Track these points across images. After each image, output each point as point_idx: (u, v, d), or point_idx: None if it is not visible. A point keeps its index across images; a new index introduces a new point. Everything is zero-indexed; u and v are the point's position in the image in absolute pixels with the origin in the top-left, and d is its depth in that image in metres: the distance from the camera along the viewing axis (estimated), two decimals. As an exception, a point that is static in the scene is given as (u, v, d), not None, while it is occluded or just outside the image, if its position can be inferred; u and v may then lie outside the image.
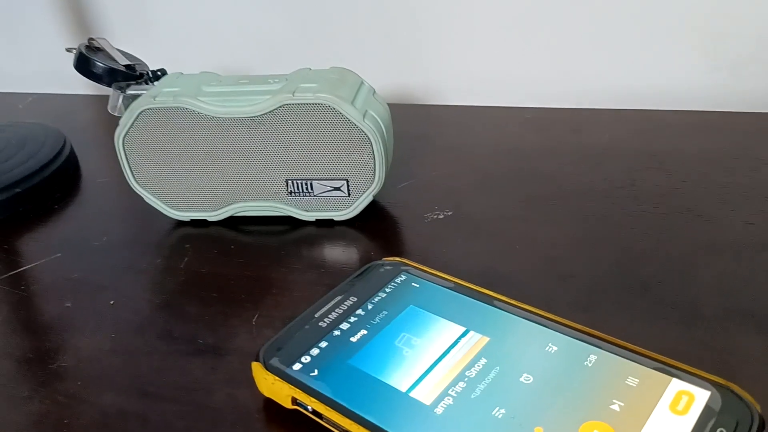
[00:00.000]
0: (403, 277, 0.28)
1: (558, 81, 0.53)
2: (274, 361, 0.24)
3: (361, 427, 0.21)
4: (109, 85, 0.39)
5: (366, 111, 0.34)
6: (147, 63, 0.43)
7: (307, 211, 0.36)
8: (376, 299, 0.27)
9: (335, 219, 0.37)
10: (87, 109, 0.59)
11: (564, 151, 0.43)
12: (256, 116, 0.34)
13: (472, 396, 0.22)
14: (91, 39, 0.41)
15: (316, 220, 0.37)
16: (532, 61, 0.53)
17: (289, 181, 0.35)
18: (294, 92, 0.33)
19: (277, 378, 0.24)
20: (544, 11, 0.50)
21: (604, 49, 0.51)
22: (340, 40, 0.57)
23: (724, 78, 0.49)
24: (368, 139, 0.34)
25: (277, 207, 0.37)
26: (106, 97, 0.52)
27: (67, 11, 0.63)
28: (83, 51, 0.39)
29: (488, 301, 0.26)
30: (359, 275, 0.29)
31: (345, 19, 0.56)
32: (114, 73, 0.39)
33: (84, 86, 0.65)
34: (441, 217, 0.36)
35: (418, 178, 0.41)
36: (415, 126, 0.48)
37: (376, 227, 0.36)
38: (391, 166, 0.38)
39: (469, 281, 0.28)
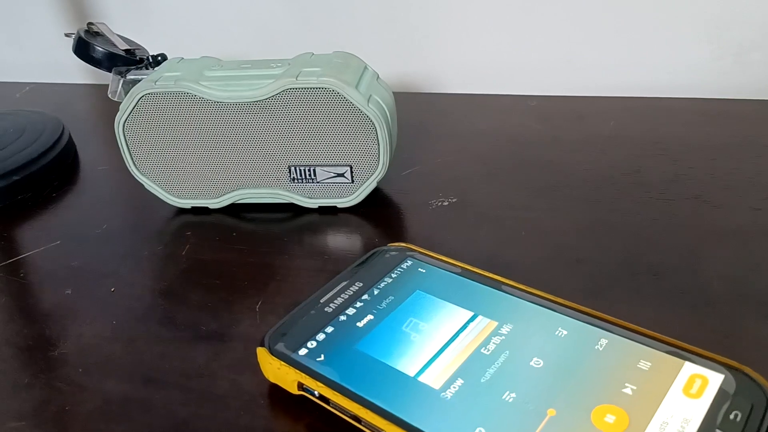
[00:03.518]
0: (409, 263, 0.28)
1: (561, 69, 0.52)
2: (280, 347, 0.24)
3: (369, 411, 0.21)
4: (109, 70, 0.38)
5: (370, 96, 0.33)
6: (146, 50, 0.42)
7: (310, 198, 0.36)
8: (382, 284, 0.27)
9: (338, 206, 0.36)
10: (85, 98, 0.59)
11: (569, 139, 0.42)
12: (259, 101, 0.33)
13: (482, 380, 0.22)
14: (90, 24, 0.41)
15: (319, 207, 0.36)
16: (535, 49, 0.52)
17: (292, 168, 0.35)
18: (297, 76, 0.33)
19: (283, 363, 0.23)
20: (547, -1, 0.50)
21: (608, 37, 0.50)
22: (340, 28, 0.56)
23: (728, 66, 0.49)
24: (372, 124, 0.33)
25: (279, 194, 0.36)
26: (104, 86, 0.51)
27: (64, -1, 0.63)
28: (82, 36, 0.39)
29: (496, 285, 0.26)
30: (365, 261, 0.28)
31: (345, 6, 0.55)
32: (114, 57, 0.38)
33: (82, 75, 0.64)
34: (446, 204, 0.36)
35: (422, 166, 0.40)
36: (418, 114, 0.48)
37: (380, 214, 0.36)
38: (394, 154, 0.37)
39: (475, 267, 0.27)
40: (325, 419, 0.23)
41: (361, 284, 0.27)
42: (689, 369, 0.21)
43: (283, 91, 0.33)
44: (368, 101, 0.33)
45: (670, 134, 0.42)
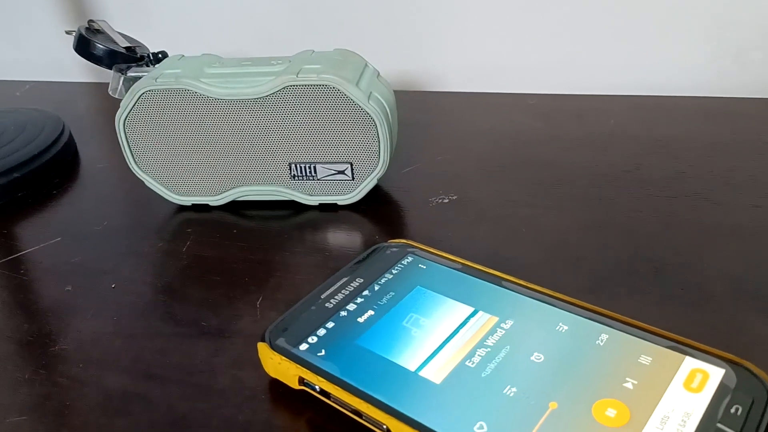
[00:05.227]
0: (410, 259, 0.28)
1: (561, 68, 0.52)
2: (281, 342, 0.24)
3: (370, 406, 0.21)
4: (110, 68, 0.38)
5: (371, 93, 0.33)
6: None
7: (311, 195, 0.36)
8: (383, 280, 0.27)
9: (339, 203, 0.36)
10: (85, 97, 0.59)
11: (569, 137, 0.42)
12: (259, 98, 0.33)
13: (483, 375, 0.22)
14: (91, 21, 0.41)
15: (320, 204, 0.36)
16: (535, 48, 0.52)
17: (293, 165, 0.35)
18: (298, 73, 0.33)
19: (283, 358, 0.23)
20: (547, -3, 0.50)
21: (608, 36, 0.50)
22: (340, 26, 0.56)
23: (728, 65, 0.49)
24: (373, 121, 0.33)
25: (280, 191, 0.36)
26: (104, 84, 0.51)
27: (64, -2, 0.63)
28: (83, 33, 0.39)
29: (496, 281, 0.26)
30: (365, 257, 0.28)
31: (345, 5, 0.55)
32: (114, 55, 0.38)
33: (82, 73, 0.64)
34: (446, 201, 0.36)
35: (422, 164, 0.40)
36: (418, 112, 0.48)
37: (381, 211, 0.36)
38: (394, 151, 0.37)
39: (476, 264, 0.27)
40: (326, 414, 0.23)
41: (362, 280, 0.27)
42: (690, 363, 0.21)
43: (284, 88, 0.33)
44: (369, 98, 0.33)
45: (670, 132, 0.42)
